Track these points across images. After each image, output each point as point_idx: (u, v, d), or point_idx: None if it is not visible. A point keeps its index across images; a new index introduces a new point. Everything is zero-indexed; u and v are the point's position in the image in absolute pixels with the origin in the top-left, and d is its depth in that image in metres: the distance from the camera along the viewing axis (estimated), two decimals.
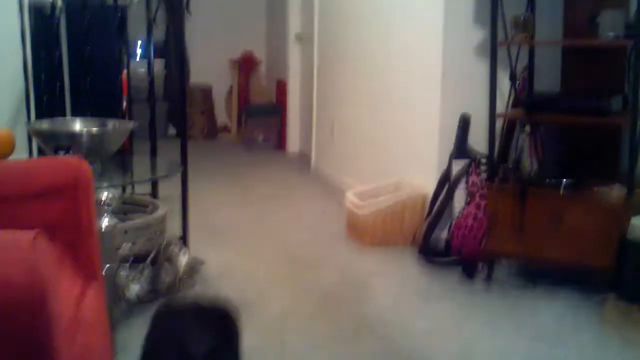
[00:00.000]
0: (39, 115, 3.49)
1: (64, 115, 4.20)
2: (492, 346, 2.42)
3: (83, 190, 1.68)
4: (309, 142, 6.08)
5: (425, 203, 3.58)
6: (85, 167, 1.72)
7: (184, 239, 3.24)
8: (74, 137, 2.51)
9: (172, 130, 7.48)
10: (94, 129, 2.65)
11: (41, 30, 3.68)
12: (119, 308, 2.53)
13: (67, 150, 2.38)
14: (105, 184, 2.33)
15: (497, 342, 2.45)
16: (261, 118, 7.06)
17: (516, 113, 3.15)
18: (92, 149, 2.54)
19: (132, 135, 3.88)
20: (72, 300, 1.46)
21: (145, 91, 3.87)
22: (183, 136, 3.23)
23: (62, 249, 1.65)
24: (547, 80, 3.41)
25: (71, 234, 1.69)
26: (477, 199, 3.23)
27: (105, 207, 2.23)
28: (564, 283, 2.99)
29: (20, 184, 1.64)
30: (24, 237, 1.03)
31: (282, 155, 6.68)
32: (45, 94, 3.70)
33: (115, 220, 2.17)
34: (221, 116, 7.98)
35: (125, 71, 5.17)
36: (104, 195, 2.21)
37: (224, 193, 4.95)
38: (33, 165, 1.72)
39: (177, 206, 3.19)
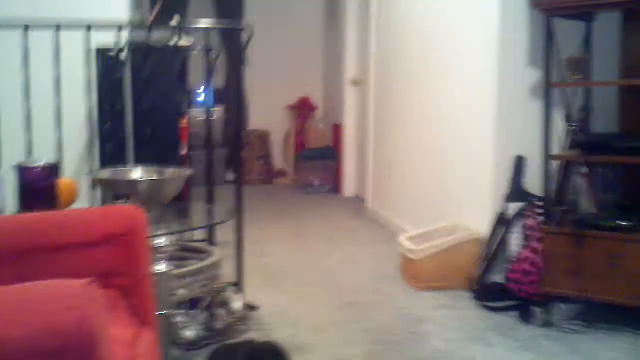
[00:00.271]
0: (103, 164, 3.61)
1: (127, 163, 4.35)
2: None
3: (138, 237, 1.74)
4: (364, 185, 6.11)
5: (480, 246, 3.54)
6: (141, 215, 1.78)
7: (238, 284, 3.28)
8: (132, 185, 2.60)
9: (230, 176, 7.62)
10: (151, 178, 2.73)
11: (105, 77, 3.82)
12: (173, 354, 2.57)
13: (126, 199, 2.46)
14: (161, 231, 2.39)
15: None
16: (317, 162, 7.13)
17: (572, 154, 3.11)
18: (150, 196, 2.62)
19: (190, 182, 3.98)
20: (125, 346, 1.50)
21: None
22: (239, 182, 3.30)
23: (117, 295, 1.70)
24: (605, 121, 3.36)
25: (126, 280, 1.74)
26: (534, 242, 3.18)
27: (161, 254, 2.29)
28: (624, 325, 2.90)
29: (78, 233, 1.71)
30: (77, 284, 1.08)
31: (338, 199, 6.71)
32: (110, 142, 3.83)
33: (170, 266, 2.22)
34: (278, 161, 8.09)
35: (185, 118, 5.35)
36: (160, 242, 2.28)
37: (279, 236, 5.00)
38: (91, 214, 1.79)
39: (234, 251, 3.24)
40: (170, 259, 2.57)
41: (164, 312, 2.35)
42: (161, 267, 2.30)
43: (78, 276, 1.46)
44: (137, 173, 2.83)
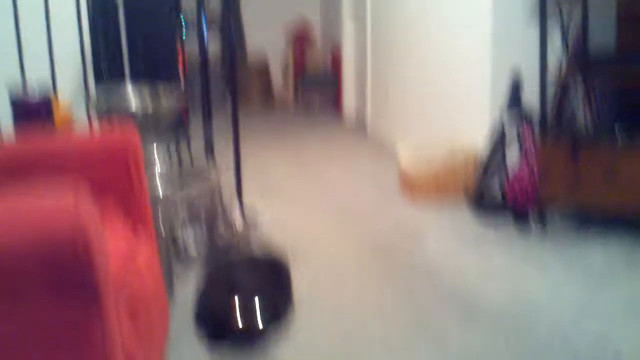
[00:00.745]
0: (98, 80, 3.61)
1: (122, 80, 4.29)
2: (543, 287, 2.43)
3: (132, 157, 1.77)
4: (364, 108, 6.10)
5: (478, 159, 3.56)
6: (136, 140, 1.81)
7: (238, 195, 3.30)
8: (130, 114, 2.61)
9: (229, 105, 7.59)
10: (149, 108, 2.72)
11: (98, 5, 3.77)
12: (176, 268, 2.63)
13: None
14: (158, 157, 2.42)
15: (549, 283, 2.46)
16: (317, 86, 7.10)
17: (569, 69, 3.09)
18: (146, 126, 2.62)
19: (187, 107, 4.01)
20: (122, 248, 1.54)
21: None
22: (234, 93, 3.27)
23: (114, 198, 1.74)
24: (602, 35, 3.32)
25: (122, 186, 1.78)
26: (531, 155, 3.20)
27: (161, 178, 2.31)
28: (617, 229, 2.96)
29: (78, 158, 1.74)
30: (70, 193, 1.10)
31: (338, 122, 6.71)
32: (105, 60, 3.81)
33: (171, 189, 2.25)
34: (278, 86, 8.05)
35: (180, 47, 5.28)
36: (161, 168, 2.30)
37: (281, 157, 5.03)
38: (87, 142, 1.82)
39: (234, 172, 3.27)
40: (171, 182, 2.60)
41: (166, 231, 2.40)
42: (162, 191, 2.33)
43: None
44: (131, 101, 2.82)
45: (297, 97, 7.56)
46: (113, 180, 1.78)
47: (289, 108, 7.60)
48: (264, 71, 7.83)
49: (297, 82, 7.58)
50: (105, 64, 3.79)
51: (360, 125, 6.19)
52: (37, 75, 2.90)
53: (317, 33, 8.01)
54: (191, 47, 4.21)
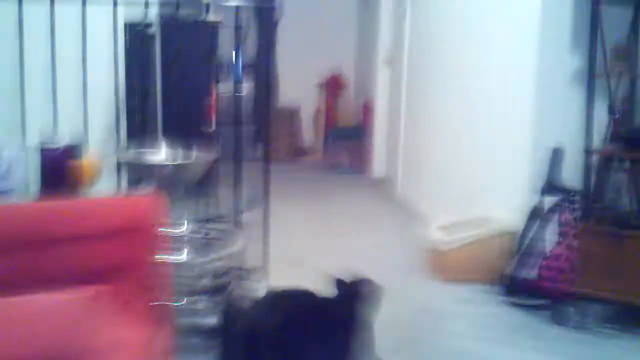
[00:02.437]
0: (130, 140, 3.55)
1: (155, 138, 4.29)
2: None
3: (154, 229, 1.67)
4: (394, 167, 5.99)
5: (512, 240, 3.41)
6: (159, 204, 1.71)
7: (264, 269, 3.21)
8: (155, 169, 2.53)
9: (258, 152, 7.54)
10: (174, 162, 2.66)
11: (134, 52, 3.74)
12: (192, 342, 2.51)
13: (147, 183, 2.39)
14: (183, 218, 2.33)
15: None
16: (346, 140, 7.02)
17: (613, 148, 2.96)
18: (173, 179, 2.55)
19: (217, 159, 3.95)
20: (138, 350, 1.43)
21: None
22: (267, 169, 3.19)
23: (129, 289, 1.63)
24: None
25: (139, 273, 1.67)
26: (570, 238, 3.06)
27: (182, 242, 2.21)
28: None
29: (92, 225, 1.64)
30: (74, 299, 1.01)
31: (367, 179, 6.61)
32: (139, 117, 3.77)
33: (192, 254, 2.15)
34: (306, 138, 7.99)
35: (214, 94, 5.27)
36: (181, 230, 2.20)
37: (305, 218, 4.92)
38: (107, 205, 1.72)
39: (258, 233, 3.17)
40: (193, 246, 2.50)
41: (184, 301, 2.29)
42: (181, 255, 2.23)
43: (89, 269, 1.40)
44: (160, 155, 2.76)
45: (326, 150, 7.49)
46: (130, 252, 1.68)
47: (317, 161, 7.52)
48: (293, 123, 7.78)
49: (327, 135, 7.51)
50: (139, 117, 3.75)
51: (389, 185, 6.08)
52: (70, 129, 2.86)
53: (351, 85, 7.97)
54: (224, 97, 4.19)
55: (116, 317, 1.49)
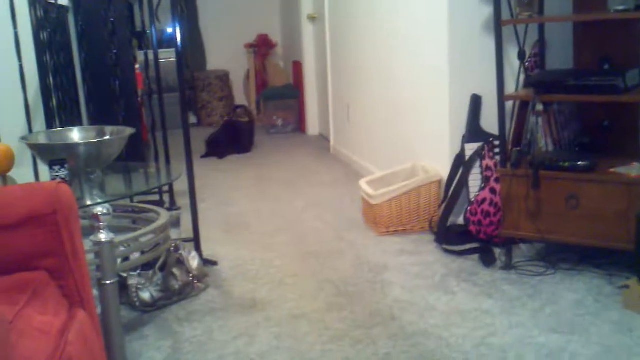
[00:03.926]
0: (50, 123, 3.44)
1: (81, 122, 4.20)
2: (509, 334, 2.35)
3: (63, 216, 1.64)
4: (327, 125, 6.01)
5: (440, 188, 3.49)
6: (65, 191, 1.67)
7: (195, 241, 3.21)
8: (70, 148, 2.47)
9: (192, 119, 7.45)
10: (89, 140, 2.60)
11: (48, 27, 3.61)
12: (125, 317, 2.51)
13: (62, 164, 2.34)
14: (99, 200, 2.30)
15: (515, 331, 2.37)
16: (279, 101, 6.99)
17: (527, 93, 3.02)
18: (91, 159, 2.50)
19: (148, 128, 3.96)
20: (51, 337, 1.42)
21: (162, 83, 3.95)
22: (186, 136, 3.16)
23: (45, 278, 1.61)
24: (560, 56, 3.27)
25: (54, 261, 1.64)
26: (492, 183, 3.14)
27: (102, 222, 2.18)
28: (584, 266, 2.89)
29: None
30: None
31: (302, 138, 6.62)
32: (58, 95, 3.67)
33: (111, 235, 2.11)
34: (240, 101, 7.93)
35: (136, 64, 5.17)
36: (99, 210, 2.17)
37: (242, 180, 4.91)
38: (9, 195, 1.67)
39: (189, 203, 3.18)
40: (115, 225, 2.47)
41: (111, 281, 2.27)
42: (102, 236, 2.20)
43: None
44: (75, 134, 2.70)
45: (260, 111, 7.45)
46: (42, 241, 1.65)
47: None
48: (225, 87, 7.70)
49: (259, 97, 7.46)
50: (59, 95, 3.65)
51: (325, 142, 6.10)
52: None
53: (279, 46, 7.91)
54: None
55: (34, 304, 1.47)
